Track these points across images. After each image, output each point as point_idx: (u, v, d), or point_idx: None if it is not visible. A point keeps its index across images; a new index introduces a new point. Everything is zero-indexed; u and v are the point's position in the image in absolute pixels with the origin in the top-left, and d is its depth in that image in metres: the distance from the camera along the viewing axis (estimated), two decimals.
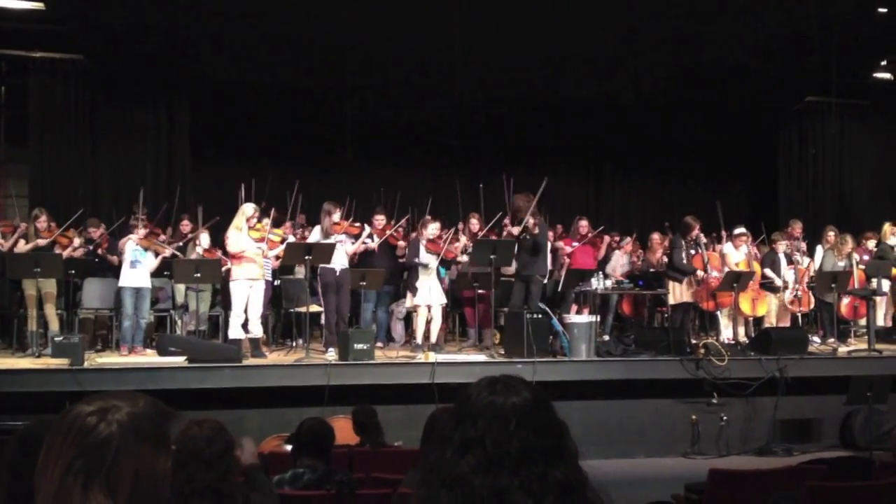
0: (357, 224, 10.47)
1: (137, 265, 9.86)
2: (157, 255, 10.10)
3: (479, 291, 10.38)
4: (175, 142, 13.77)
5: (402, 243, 10.91)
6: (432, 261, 10.16)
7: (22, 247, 9.91)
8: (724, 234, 11.62)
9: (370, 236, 10.46)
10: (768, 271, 11.31)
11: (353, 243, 10.12)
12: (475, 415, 1.52)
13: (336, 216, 9.87)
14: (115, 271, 10.38)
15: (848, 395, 8.38)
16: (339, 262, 9.79)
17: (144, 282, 9.93)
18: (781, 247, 11.51)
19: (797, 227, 12.16)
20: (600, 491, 1.53)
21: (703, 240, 10.81)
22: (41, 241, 9.91)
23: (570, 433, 1.56)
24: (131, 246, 9.89)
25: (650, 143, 16.20)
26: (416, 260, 10.12)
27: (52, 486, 1.38)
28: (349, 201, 11.66)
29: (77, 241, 10.29)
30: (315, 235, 9.90)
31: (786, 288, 11.48)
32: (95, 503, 1.36)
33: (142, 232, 10.02)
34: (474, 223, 11.49)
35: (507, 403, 1.52)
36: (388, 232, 10.85)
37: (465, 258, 10.80)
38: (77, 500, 1.36)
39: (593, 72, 13.72)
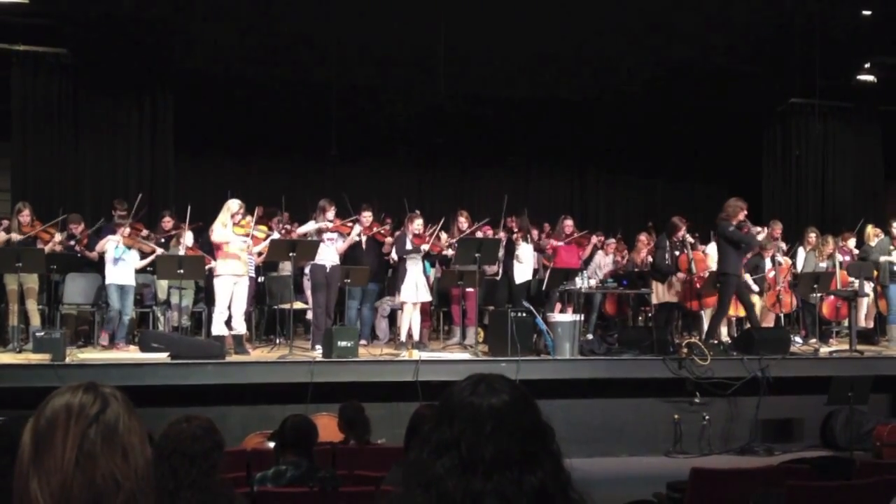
0: (349, 223, 10.44)
1: (120, 262, 9.79)
2: (141, 252, 10.04)
3: (468, 290, 10.39)
4: (159, 137, 13.64)
5: (388, 240, 10.90)
6: (418, 253, 10.18)
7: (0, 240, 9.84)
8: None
9: (358, 234, 10.45)
10: (748, 277, 11.29)
11: (343, 241, 10.11)
12: (453, 415, 1.48)
13: (331, 213, 9.87)
14: (96, 267, 10.31)
15: (829, 396, 8.46)
16: (330, 259, 9.79)
17: (129, 279, 9.87)
18: (769, 253, 11.50)
19: (777, 228, 12.14)
20: (584, 493, 1.50)
21: (690, 240, 10.82)
22: (15, 237, 9.81)
23: (555, 436, 1.52)
24: (112, 246, 9.82)
25: (635, 143, 16.22)
26: (408, 248, 10.11)
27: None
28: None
29: (58, 237, 10.21)
30: (308, 227, 9.88)
31: (769, 289, 11.48)
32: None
33: (126, 231, 9.94)
34: (462, 221, 11.46)
35: (484, 405, 1.47)
36: (375, 229, 10.83)
37: (450, 252, 10.82)
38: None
39: (578, 71, 13.74)
